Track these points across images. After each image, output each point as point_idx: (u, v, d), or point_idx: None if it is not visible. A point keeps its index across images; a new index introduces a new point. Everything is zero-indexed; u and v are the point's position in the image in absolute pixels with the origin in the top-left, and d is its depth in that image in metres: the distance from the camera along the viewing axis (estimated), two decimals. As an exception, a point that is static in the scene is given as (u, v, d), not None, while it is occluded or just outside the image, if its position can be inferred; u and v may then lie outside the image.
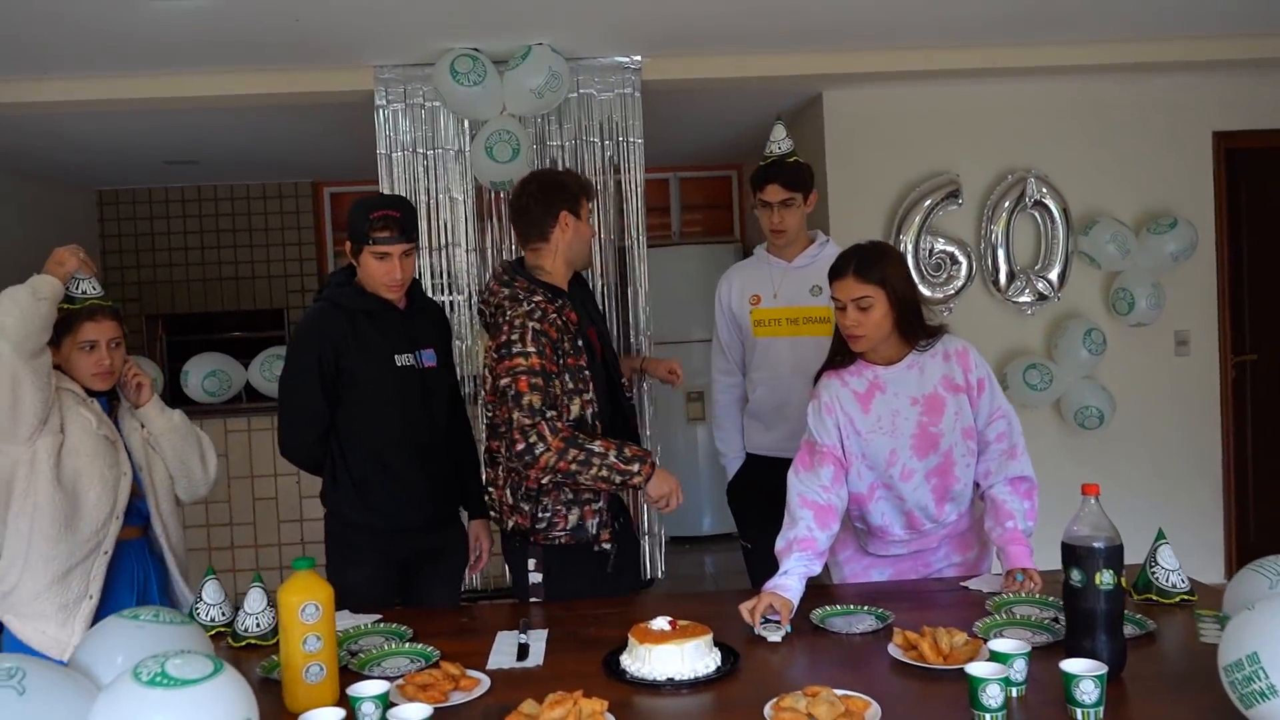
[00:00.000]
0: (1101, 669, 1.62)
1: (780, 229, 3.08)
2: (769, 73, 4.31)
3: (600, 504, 2.58)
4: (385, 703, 1.66)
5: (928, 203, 4.61)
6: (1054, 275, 4.66)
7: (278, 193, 6.95)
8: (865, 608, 2.19)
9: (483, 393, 2.65)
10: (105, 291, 2.54)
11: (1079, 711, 1.60)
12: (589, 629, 2.20)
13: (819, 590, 2.32)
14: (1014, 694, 1.69)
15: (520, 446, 2.42)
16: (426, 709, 1.60)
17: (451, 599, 2.84)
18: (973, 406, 2.38)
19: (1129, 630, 1.91)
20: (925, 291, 4.54)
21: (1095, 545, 1.76)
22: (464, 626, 2.31)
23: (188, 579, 2.62)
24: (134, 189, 6.85)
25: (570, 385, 2.52)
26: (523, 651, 2.04)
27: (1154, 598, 2.17)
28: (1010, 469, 2.39)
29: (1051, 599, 2.18)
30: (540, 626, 2.21)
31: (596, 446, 2.45)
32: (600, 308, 4.19)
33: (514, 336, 2.47)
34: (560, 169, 2.87)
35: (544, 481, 2.49)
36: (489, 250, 4.26)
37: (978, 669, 1.62)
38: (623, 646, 1.97)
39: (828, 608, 2.20)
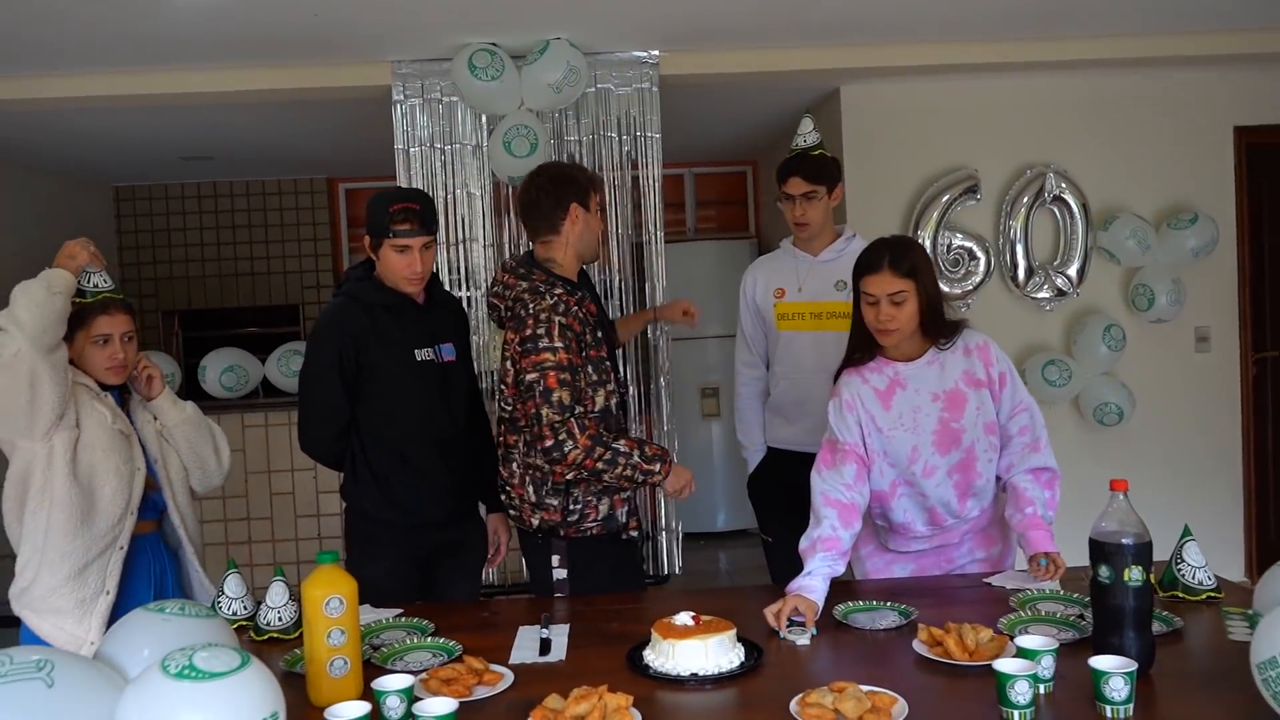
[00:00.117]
0: (1131, 666, 1.60)
1: (803, 222, 3.07)
2: (786, 67, 4.29)
3: (628, 492, 2.61)
4: (410, 697, 1.67)
5: (946, 198, 4.59)
6: (1073, 271, 4.63)
7: (293, 189, 6.96)
8: (888, 604, 2.18)
9: (503, 388, 2.64)
10: (120, 286, 2.53)
11: (1108, 708, 1.59)
12: (611, 624, 2.19)
13: (841, 586, 2.31)
14: (1042, 691, 1.68)
15: (549, 443, 2.44)
16: (452, 703, 1.59)
17: (471, 593, 2.84)
18: (995, 401, 2.37)
19: (1156, 627, 1.90)
20: (944, 287, 4.52)
21: (1124, 542, 1.75)
22: (485, 621, 2.31)
23: (205, 571, 2.62)
24: (150, 185, 6.87)
25: (594, 377, 2.54)
26: (545, 646, 2.04)
27: (1180, 595, 2.15)
28: (1032, 460, 2.39)
29: (1076, 595, 2.17)
30: (561, 622, 2.20)
31: (621, 446, 2.49)
32: (619, 302, 4.23)
33: (540, 331, 2.47)
34: (568, 162, 2.87)
35: (569, 477, 2.51)
36: (506, 245, 4.26)
37: (1006, 665, 1.61)
38: (645, 642, 1.96)
39: (850, 604, 2.19)
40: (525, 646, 2.05)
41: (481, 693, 1.79)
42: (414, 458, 2.67)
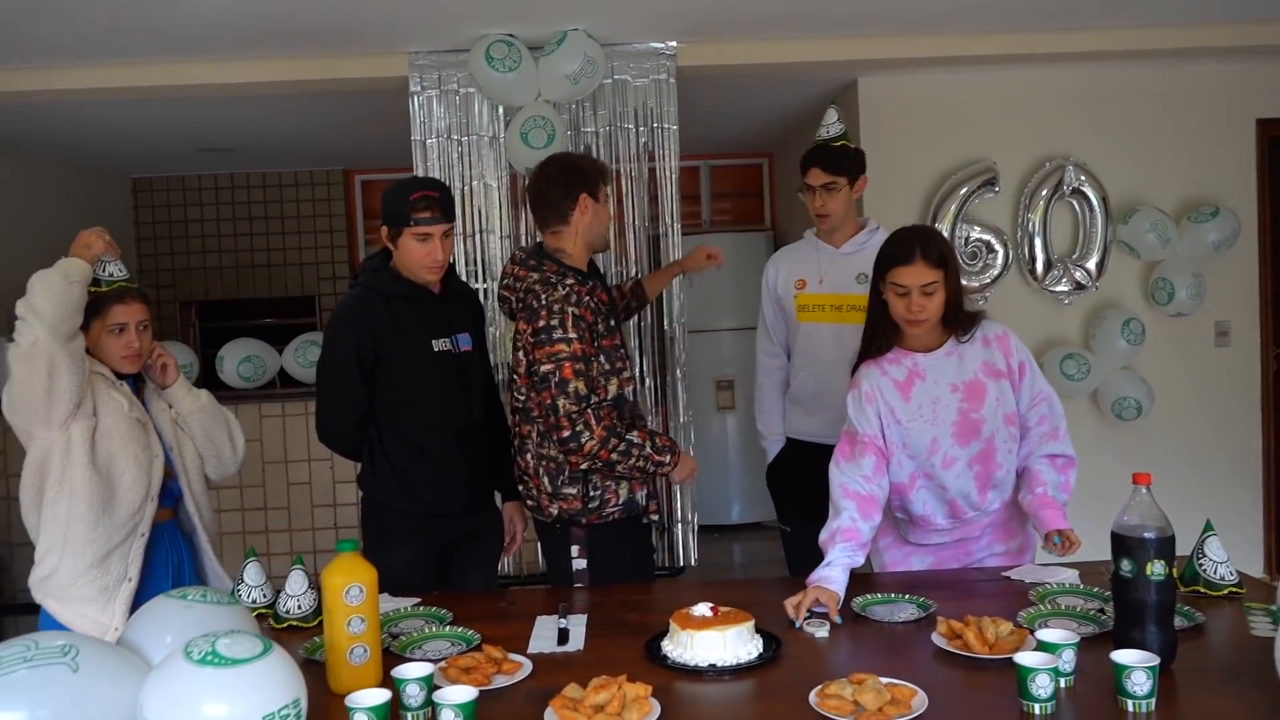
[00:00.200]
0: (1154, 660, 1.60)
1: (823, 213, 3.06)
2: (804, 59, 4.27)
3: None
4: (430, 685, 1.67)
5: (964, 190, 4.56)
6: (1092, 264, 4.60)
7: (310, 180, 6.98)
8: (906, 596, 2.17)
9: (515, 379, 2.65)
10: (137, 277, 2.54)
11: (1130, 703, 1.58)
12: (629, 614, 2.20)
13: (859, 579, 2.31)
14: (1062, 684, 1.67)
15: (566, 433, 2.47)
16: (472, 691, 1.60)
17: (488, 582, 2.86)
18: (1015, 391, 2.36)
19: (1177, 622, 1.89)
20: (961, 280, 4.50)
21: (1146, 536, 1.74)
22: (502, 611, 2.32)
23: (221, 560, 2.64)
24: (168, 176, 6.90)
25: (607, 366, 2.56)
26: (563, 636, 2.04)
27: (1201, 590, 2.14)
28: (1049, 447, 2.39)
29: (1097, 589, 2.16)
30: (579, 612, 2.21)
31: (634, 437, 2.53)
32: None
33: (554, 322, 2.48)
34: (577, 153, 2.88)
35: (583, 468, 2.54)
36: (523, 237, 4.25)
37: (1027, 659, 1.61)
38: (663, 632, 1.96)
39: (868, 596, 2.19)
40: (543, 636, 2.06)
41: (500, 681, 1.80)
42: (431, 448, 2.68)
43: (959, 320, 2.35)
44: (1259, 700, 1.62)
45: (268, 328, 6.39)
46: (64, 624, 2.37)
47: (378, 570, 1.85)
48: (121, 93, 4.26)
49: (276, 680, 1.45)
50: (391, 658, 1.91)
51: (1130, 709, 1.58)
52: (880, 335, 2.39)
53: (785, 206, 6.64)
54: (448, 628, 2.10)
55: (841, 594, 2.13)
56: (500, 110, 4.17)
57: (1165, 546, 1.74)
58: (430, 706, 1.63)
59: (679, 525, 4.32)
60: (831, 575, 2.15)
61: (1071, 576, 2.27)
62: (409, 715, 1.65)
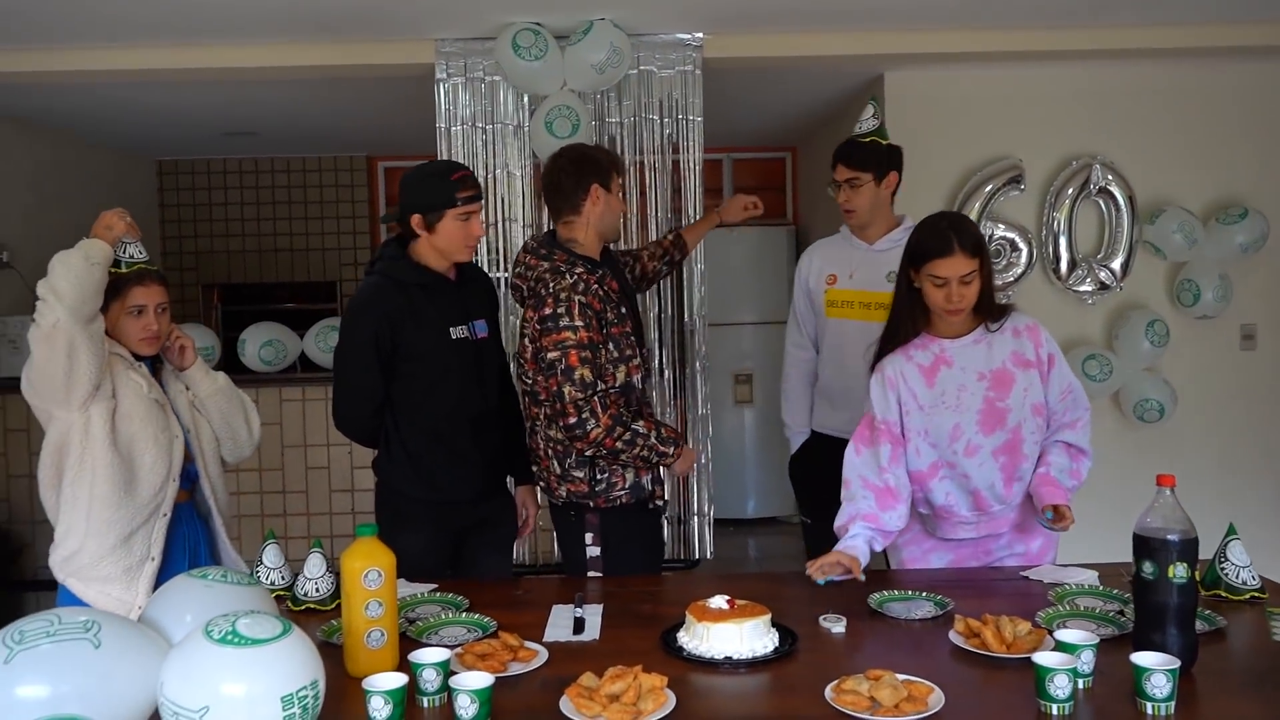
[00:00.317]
0: (1174, 663, 1.58)
1: (847, 208, 3.05)
2: (830, 52, 4.25)
3: None
4: (446, 670, 1.68)
5: (989, 188, 4.53)
6: (1117, 264, 4.56)
7: (333, 166, 7.00)
8: (923, 594, 2.16)
9: (522, 362, 2.71)
10: (161, 259, 2.55)
11: (1149, 705, 1.57)
12: (644, 605, 2.20)
13: (877, 576, 2.30)
14: (1081, 685, 1.66)
15: (572, 420, 2.51)
16: (488, 677, 1.61)
17: (501, 567, 2.87)
18: (1043, 382, 2.36)
19: (1198, 626, 1.87)
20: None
21: (1169, 538, 1.72)
22: (518, 599, 2.32)
23: (240, 542, 2.65)
24: (193, 160, 6.94)
25: (615, 354, 2.60)
26: (579, 625, 2.05)
27: (1223, 594, 2.12)
28: (1064, 435, 2.40)
29: (1116, 591, 2.14)
30: (594, 601, 2.21)
31: (640, 427, 2.58)
32: (656, 287, 4.21)
33: (560, 310, 2.52)
34: (591, 144, 2.93)
35: (588, 454, 2.59)
36: (545, 225, 4.24)
37: (1045, 659, 1.60)
38: (679, 624, 1.96)
39: (886, 593, 2.18)
40: (559, 625, 2.06)
41: (516, 669, 1.81)
42: (448, 436, 2.69)
43: (990, 307, 2.35)
44: (1279, 705, 1.60)
45: (289, 312, 6.44)
46: (87, 603, 2.39)
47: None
48: (149, 75, 4.29)
49: (295, 661, 1.46)
50: (408, 642, 1.92)
51: (1149, 712, 1.57)
52: (908, 322, 2.38)
53: (808, 201, 6.61)
54: (464, 614, 2.11)
55: (864, 561, 2.17)
56: (525, 99, 4.17)
57: (1188, 549, 1.72)
58: (446, 691, 1.64)
59: (695, 518, 4.32)
60: (854, 545, 2.20)
61: (1091, 577, 2.26)
62: (425, 700, 1.66)
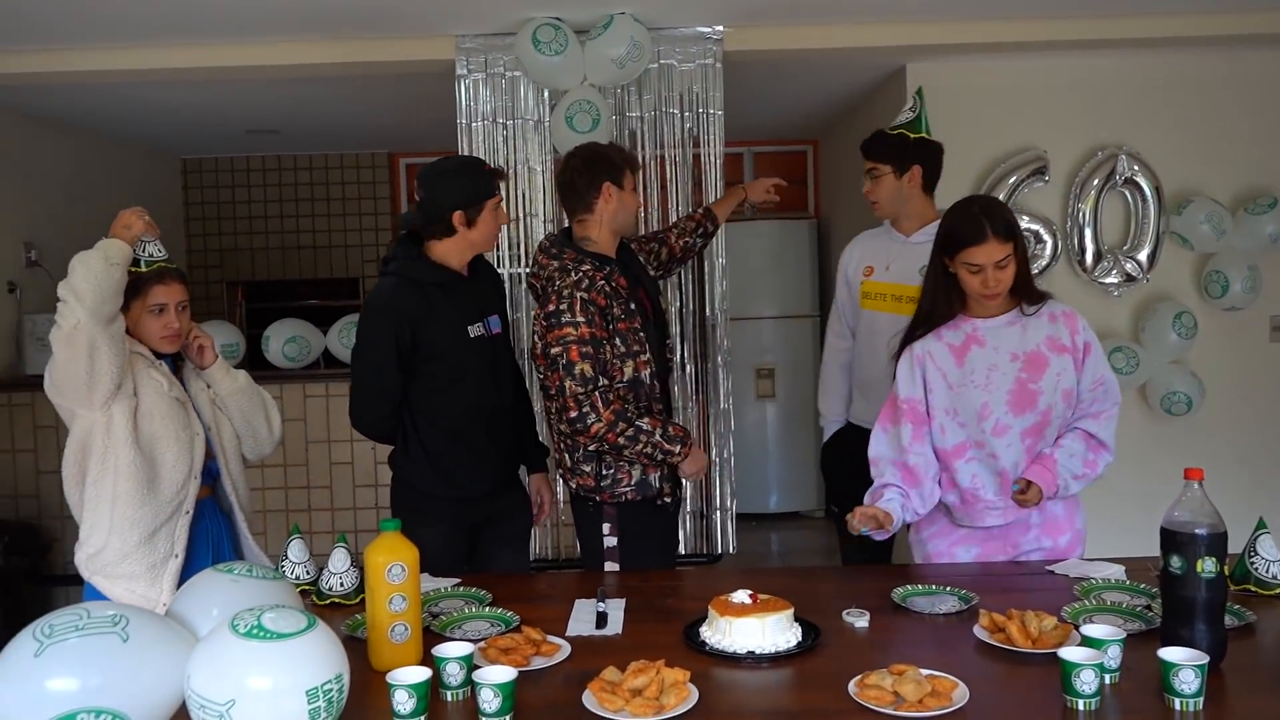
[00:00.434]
0: (1202, 659, 1.56)
1: (871, 199, 3.07)
2: (852, 44, 4.21)
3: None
4: (470, 664, 1.68)
5: (1013, 179, 4.48)
6: (1143, 256, 4.50)
7: (355, 163, 7.03)
8: (948, 589, 2.15)
9: (535, 357, 2.75)
10: (186, 257, 2.57)
11: (1177, 701, 1.55)
12: (666, 600, 2.20)
13: (900, 570, 2.29)
14: (1108, 681, 1.65)
15: (573, 414, 2.56)
16: (511, 671, 1.61)
17: (517, 559, 2.88)
18: (1077, 369, 2.35)
19: (1227, 621, 1.85)
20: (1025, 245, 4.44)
21: (1197, 532, 1.70)
22: (541, 593, 2.34)
23: (264, 540, 2.67)
24: (217, 158, 6.99)
25: (622, 349, 2.62)
26: (601, 620, 2.05)
27: (1252, 589, 2.10)
28: (1087, 425, 2.38)
29: (1143, 586, 2.12)
30: (616, 596, 2.21)
31: (644, 424, 2.59)
32: (677, 280, 4.21)
33: (562, 306, 2.57)
34: (604, 143, 2.96)
35: (591, 449, 2.62)
36: (564, 221, 4.25)
37: (1071, 654, 1.58)
38: (702, 618, 1.96)
39: (910, 587, 2.17)
40: (582, 619, 2.07)
41: (539, 663, 1.81)
42: (466, 434, 2.71)
43: (1027, 289, 2.35)
44: (1311, 702, 1.59)
45: (312, 309, 6.47)
46: (113, 600, 2.41)
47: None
48: (172, 74, 4.32)
49: (320, 655, 1.47)
50: (432, 636, 1.93)
51: (1177, 707, 1.55)
52: (944, 306, 2.38)
53: (830, 194, 6.58)
54: (487, 608, 2.12)
55: (897, 521, 2.23)
56: (545, 94, 4.17)
57: (1217, 543, 1.70)
58: (469, 686, 1.65)
59: (717, 513, 4.31)
60: (889, 505, 2.26)
61: (1118, 572, 2.24)
62: (448, 694, 1.67)
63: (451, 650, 1.69)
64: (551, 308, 2.60)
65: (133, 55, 4.20)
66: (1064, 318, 2.37)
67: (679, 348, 4.22)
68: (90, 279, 2.25)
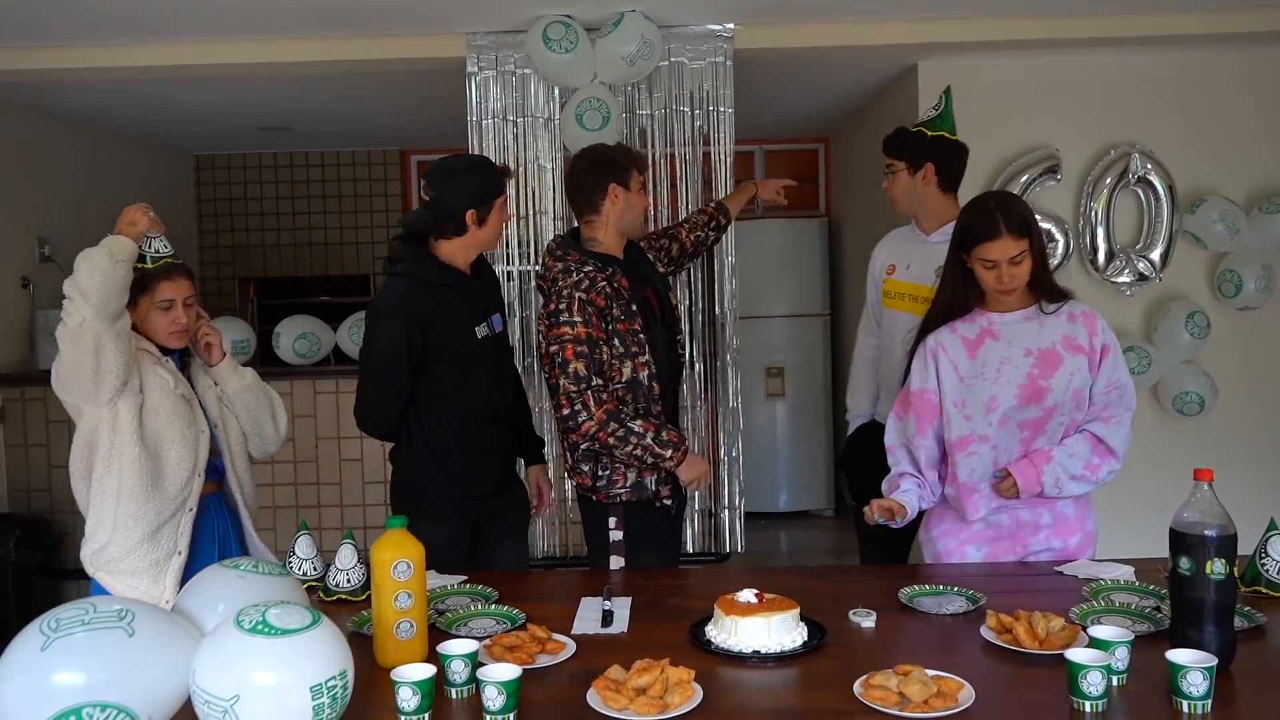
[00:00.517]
0: (1211, 661, 1.55)
1: (890, 195, 3.07)
2: (863, 42, 4.20)
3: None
4: (475, 662, 1.69)
5: (1025, 178, 4.46)
6: (1156, 255, 4.48)
7: (366, 160, 7.05)
8: (955, 589, 2.14)
9: (541, 358, 2.78)
10: (198, 254, 2.58)
11: (1185, 703, 1.54)
12: (672, 598, 2.20)
13: (908, 570, 2.29)
14: (1115, 682, 1.64)
15: (565, 412, 2.59)
16: (515, 669, 1.61)
17: (516, 553, 2.90)
18: (1092, 371, 2.33)
19: (1237, 623, 1.83)
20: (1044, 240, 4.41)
21: (1206, 533, 1.69)
22: (547, 591, 2.34)
23: (272, 536, 2.68)
24: (229, 154, 7.02)
25: (621, 350, 2.64)
26: (607, 618, 2.05)
27: (1263, 590, 2.08)
28: (1095, 427, 2.36)
29: (1152, 587, 2.11)
30: (622, 594, 2.21)
31: (636, 426, 2.60)
32: (687, 278, 4.20)
33: (561, 306, 2.61)
34: (612, 144, 2.97)
35: (583, 447, 2.64)
36: (574, 220, 4.25)
37: (1079, 655, 1.58)
38: (707, 617, 1.96)
39: (917, 587, 2.16)
40: (587, 618, 2.06)
41: (544, 661, 1.81)
42: (470, 432, 2.73)
43: (1046, 286, 2.34)
44: (1321, 706, 1.57)
45: (323, 305, 6.50)
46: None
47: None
48: (185, 71, 4.33)
49: (325, 651, 1.47)
50: (437, 634, 1.94)
51: (1185, 710, 1.54)
52: (960, 301, 2.38)
53: (840, 193, 6.56)
54: (493, 606, 2.12)
55: (911, 511, 2.27)
56: (556, 92, 4.17)
57: (1226, 545, 1.69)
58: (474, 683, 1.64)
59: (725, 512, 4.31)
60: (904, 497, 2.30)
61: (1126, 573, 2.23)
62: (453, 691, 1.67)
63: (456, 647, 1.70)
64: (552, 307, 2.63)
65: (145, 52, 4.22)
66: (1083, 318, 2.36)
67: (689, 346, 4.21)
68: (95, 276, 2.25)
